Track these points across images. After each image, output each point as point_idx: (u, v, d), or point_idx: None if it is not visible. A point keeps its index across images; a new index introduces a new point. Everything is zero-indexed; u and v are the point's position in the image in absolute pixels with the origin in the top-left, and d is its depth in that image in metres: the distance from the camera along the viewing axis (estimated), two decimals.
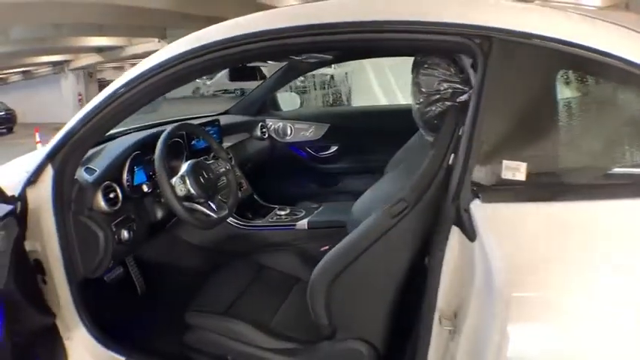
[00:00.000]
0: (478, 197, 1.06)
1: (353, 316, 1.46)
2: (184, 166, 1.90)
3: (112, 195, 1.78)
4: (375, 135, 3.16)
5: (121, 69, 28.35)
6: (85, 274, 1.67)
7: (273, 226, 2.36)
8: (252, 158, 2.97)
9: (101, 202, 1.73)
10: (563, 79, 1.12)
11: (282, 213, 2.44)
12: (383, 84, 8.08)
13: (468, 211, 1.06)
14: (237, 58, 1.42)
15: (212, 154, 2.29)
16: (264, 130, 3.13)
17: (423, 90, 1.31)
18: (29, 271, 1.55)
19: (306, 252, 2.13)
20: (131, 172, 1.94)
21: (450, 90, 1.28)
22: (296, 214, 2.40)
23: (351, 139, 3.24)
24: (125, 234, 1.81)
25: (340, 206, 2.46)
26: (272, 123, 3.25)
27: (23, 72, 21.08)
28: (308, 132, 3.27)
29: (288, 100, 3.49)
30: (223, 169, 2.09)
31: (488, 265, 1.00)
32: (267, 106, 3.34)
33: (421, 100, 1.32)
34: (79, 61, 17.97)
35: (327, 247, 2.08)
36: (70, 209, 1.59)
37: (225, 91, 20.73)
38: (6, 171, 1.90)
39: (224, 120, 2.77)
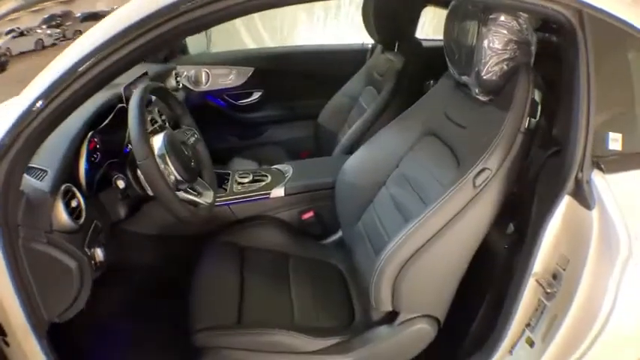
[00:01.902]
0: (600, 169, 1.09)
1: (421, 296, 1.33)
2: (158, 142, 1.46)
3: (74, 203, 1.27)
4: (304, 78, 2.95)
5: None
6: (50, 320, 1.20)
7: (243, 198, 1.93)
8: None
9: (64, 217, 1.20)
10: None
11: (245, 180, 1.98)
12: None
13: (589, 182, 1.08)
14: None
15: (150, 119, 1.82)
16: (178, 78, 2.68)
17: (493, 47, 1.21)
18: None
19: (285, 222, 1.90)
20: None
21: (517, 50, 1.21)
22: (262, 180, 1.98)
23: (276, 84, 2.96)
24: (100, 253, 1.32)
25: (311, 165, 2.19)
26: (184, 70, 2.81)
27: None
28: (228, 78, 2.91)
29: (195, 41, 3.00)
30: (193, 140, 1.67)
31: (607, 232, 1.06)
32: (175, 49, 2.84)
33: (487, 58, 1.22)
34: None
35: (310, 215, 1.88)
36: (18, 237, 1.08)
37: (64, 38, 18.50)
38: None
39: (138, 70, 2.26)
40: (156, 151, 1.43)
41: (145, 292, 1.83)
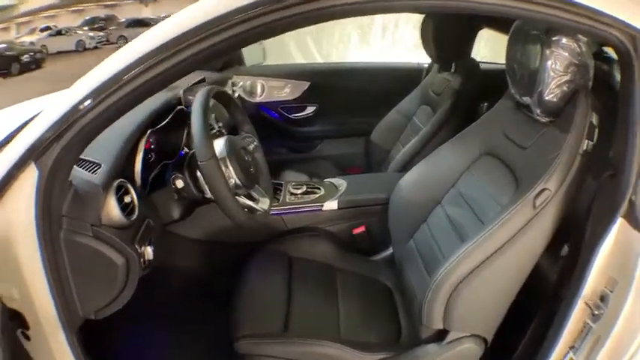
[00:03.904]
0: None
1: (472, 316, 1.32)
2: (219, 146, 1.46)
3: (127, 199, 1.27)
4: (358, 95, 2.97)
5: (7, 30, 24.92)
6: (85, 317, 1.18)
7: (296, 209, 1.95)
8: None
9: (116, 212, 1.20)
10: None
11: (298, 192, 2.02)
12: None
13: None
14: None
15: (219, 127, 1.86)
16: (234, 88, 2.72)
17: (555, 68, 1.22)
18: None
19: (336, 235, 1.92)
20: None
21: (577, 73, 1.22)
22: (315, 192, 2.02)
23: (331, 99, 2.99)
24: (150, 252, 1.31)
25: (365, 180, 2.21)
26: (241, 80, 2.87)
27: None
28: (283, 91, 2.96)
29: (253, 53, 3.05)
30: (252, 146, 1.68)
31: None
32: (232, 60, 2.91)
33: (548, 79, 1.24)
34: None
35: (361, 229, 1.85)
36: (60, 228, 1.08)
37: (107, 42, 18.99)
38: None
39: (195, 76, 2.31)
40: (217, 154, 1.42)
41: (187, 295, 1.86)
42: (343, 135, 3.05)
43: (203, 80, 2.16)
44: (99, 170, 1.23)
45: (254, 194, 1.60)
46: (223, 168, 1.41)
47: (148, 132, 1.53)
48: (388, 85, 2.91)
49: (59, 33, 19.39)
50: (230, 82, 2.73)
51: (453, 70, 2.34)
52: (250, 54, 3.07)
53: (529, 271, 1.25)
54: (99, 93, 0.99)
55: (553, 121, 1.29)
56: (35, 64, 15.58)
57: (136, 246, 1.25)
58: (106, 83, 0.99)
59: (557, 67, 1.21)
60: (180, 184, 1.47)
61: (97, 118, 1.01)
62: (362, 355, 1.35)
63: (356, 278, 1.71)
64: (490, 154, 1.48)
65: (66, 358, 1.17)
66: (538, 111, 1.32)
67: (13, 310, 1.11)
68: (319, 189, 2.03)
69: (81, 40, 19.19)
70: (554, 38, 1.19)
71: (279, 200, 1.96)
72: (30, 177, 1.02)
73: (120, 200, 1.23)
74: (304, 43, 7.50)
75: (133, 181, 1.37)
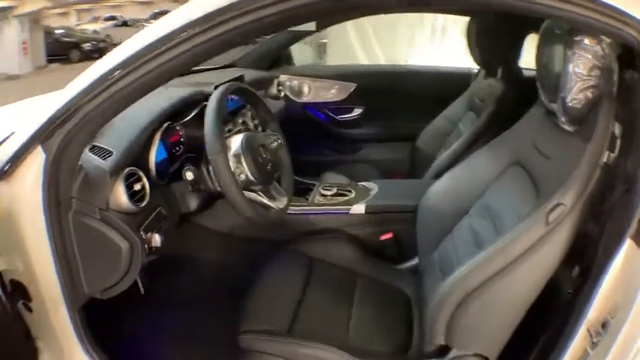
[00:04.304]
0: None
1: (477, 333, 1.26)
2: (236, 142, 1.49)
3: (137, 187, 1.30)
4: (406, 98, 2.91)
5: (66, 15, 26.52)
6: (90, 295, 1.24)
7: (323, 210, 1.94)
8: None
9: (123, 199, 1.24)
10: None
11: (329, 193, 2.00)
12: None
13: None
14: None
15: (241, 122, 1.87)
16: (280, 87, 2.74)
17: (577, 71, 1.13)
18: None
19: (361, 240, 1.87)
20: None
21: (601, 78, 1.13)
22: (345, 195, 2.00)
23: (377, 102, 2.94)
24: (157, 239, 1.34)
25: (397, 186, 2.18)
26: (288, 80, 2.89)
27: None
28: (330, 92, 2.93)
29: (302, 53, 3.06)
30: (275, 145, 1.67)
31: None
32: (281, 59, 2.92)
33: (572, 84, 1.15)
34: (23, 6, 16.39)
35: (388, 236, 1.80)
36: (69, 209, 1.14)
37: None
38: None
39: (234, 73, 2.33)
40: (232, 150, 1.47)
41: (205, 286, 1.90)
42: (388, 139, 3.00)
43: (240, 78, 2.17)
44: (110, 157, 1.27)
45: (272, 192, 1.60)
46: (236, 164, 1.44)
47: (169, 124, 1.56)
48: (437, 89, 2.84)
49: (125, 24, 19.57)
50: (276, 81, 2.74)
51: (499, 76, 2.25)
52: (300, 54, 3.09)
53: (538, 291, 1.17)
54: (100, 83, 1.03)
55: (577, 130, 1.21)
56: (98, 52, 15.61)
57: (142, 232, 1.29)
58: (105, 75, 1.03)
59: (579, 71, 1.13)
60: (190, 175, 1.49)
61: (99, 106, 1.05)
62: None
63: (376, 285, 1.66)
64: (518, 163, 1.41)
65: (66, 333, 1.22)
66: (563, 119, 1.23)
67: (15, 282, 1.18)
68: (350, 192, 2.01)
69: None
70: (576, 38, 1.11)
71: (307, 200, 1.96)
72: (37, 158, 1.08)
73: (129, 187, 1.27)
74: (369, 44, 7.47)
75: (147, 171, 1.40)
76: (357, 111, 2.98)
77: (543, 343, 1.28)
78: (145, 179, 1.34)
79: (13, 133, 1.15)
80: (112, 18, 20.38)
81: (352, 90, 2.91)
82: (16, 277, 1.18)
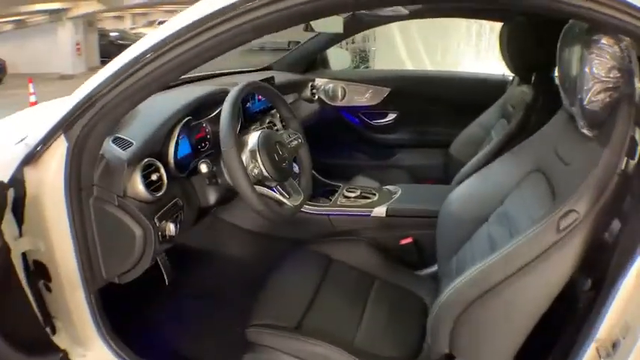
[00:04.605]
0: None
1: (483, 344, 1.21)
2: (252, 139, 1.52)
3: (154, 177, 1.36)
4: (440, 104, 2.89)
5: (121, 19, 27.43)
6: (109, 279, 1.32)
7: (344, 211, 1.96)
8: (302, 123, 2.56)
9: (139, 187, 1.30)
10: None
11: (352, 195, 2.03)
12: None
13: None
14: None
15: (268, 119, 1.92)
16: (314, 90, 2.78)
17: (595, 72, 1.07)
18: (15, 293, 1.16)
19: (382, 244, 1.85)
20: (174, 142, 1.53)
21: (620, 79, 1.07)
22: (368, 197, 2.01)
23: (412, 107, 2.93)
24: (172, 228, 1.39)
25: (421, 190, 2.17)
26: (322, 83, 2.91)
27: (15, 22, 20.24)
28: (364, 96, 2.93)
29: (338, 57, 3.06)
30: (295, 143, 1.71)
31: None
32: (317, 63, 2.96)
33: (589, 85, 1.09)
34: (77, 9, 17.18)
35: (409, 240, 1.78)
36: (90, 195, 1.23)
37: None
38: None
39: (266, 76, 2.37)
40: (249, 146, 1.51)
41: (224, 279, 1.94)
42: (422, 145, 2.97)
43: (270, 79, 2.21)
44: (129, 148, 1.33)
45: (289, 189, 1.61)
46: (251, 160, 1.47)
47: (204, 122, 1.63)
48: (472, 96, 2.79)
49: None
50: (310, 84, 2.77)
51: (532, 82, 2.19)
52: (335, 58, 3.10)
53: (548, 303, 1.11)
54: (116, 77, 1.08)
55: (597, 135, 1.16)
56: None
57: (156, 220, 1.34)
58: (120, 70, 1.08)
59: (597, 72, 1.08)
60: (204, 168, 1.52)
61: (116, 98, 1.10)
62: None
63: (393, 290, 1.65)
64: (539, 170, 1.36)
65: (82, 314, 1.27)
66: (582, 122, 1.18)
67: (38, 262, 1.25)
68: (373, 195, 2.01)
69: None
70: (594, 38, 1.07)
71: (330, 201, 1.98)
72: (60, 146, 1.16)
73: (147, 177, 1.33)
74: (416, 50, 7.43)
75: (166, 163, 1.45)
76: (392, 116, 2.98)
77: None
78: (162, 170, 1.39)
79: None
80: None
81: (386, 95, 2.91)
82: (38, 257, 1.25)
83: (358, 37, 10.19)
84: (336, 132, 3.02)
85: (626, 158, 1.04)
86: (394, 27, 7.98)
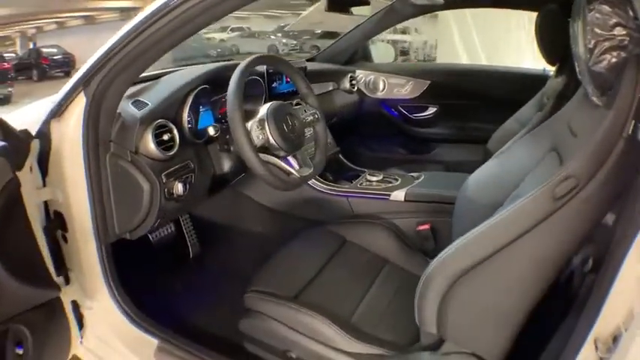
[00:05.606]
0: None
1: (472, 327, 1.15)
2: (263, 108, 1.57)
3: (165, 137, 1.45)
4: (479, 99, 2.84)
5: None
6: (120, 234, 1.40)
7: (363, 193, 1.98)
8: (337, 112, 2.64)
9: (151, 145, 1.39)
10: None
11: (374, 179, 2.06)
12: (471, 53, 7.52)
13: None
14: None
15: (296, 100, 1.99)
16: (353, 82, 2.83)
17: (596, 31, 1.00)
18: (21, 231, 1.23)
19: (399, 229, 1.84)
20: (195, 111, 1.61)
21: (626, 37, 0.99)
22: (390, 182, 2.04)
23: (451, 101, 2.91)
24: (180, 187, 1.47)
25: (444, 177, 2.18)
26: (362, 75, 2.94)
27: (85, 17, 21.11)
28: (404, 88, 2.95)
29: (381, 51, 3.08)
30: (311, 118, 1.74)
31: None
32: (358, 55, 2.99)
33: (592, 44, 1.02)
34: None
35: (426, 226, 1.78)
36: (107, 150, 1.32)
37: (300, 50, 19.51)
38: (39, 105, 1.57)
39: (309, 67, 2.41)
40: (259, 115, 1.55)
41: (239, 253, 2.00)
42: (461, 140, 2.94)
43: (303, 68, 2.25)
44: (144, 109, 1.43)
45: (294, 160, 1.62)
46: (260, 128, 1.51)
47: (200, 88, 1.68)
48: (512, 90, 2.74)
49: (252, 35, 20.48)
50: (349, 75, 2.79)
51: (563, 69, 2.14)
52: (379, 52, 3.11)
53: (544, 284, 1.03)
54: (128, 35, 1.18)
55: (604, 102, 1.06)
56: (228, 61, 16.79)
57: (163, 177, 1.43)
58: (132, 29, 1.17)
59: (598, 30, 1.00)
60: (211, 131, 1.59)
61: (127, 55, 1.20)
62: (354, 342, 1.29)
63: (403, 275, 1.63)
64: (555, 149, 1.28)
65: (93, 266, 1.36)
66: (589, 89, 1.09)
67: (57, 212, 1.35)
68: (396, 180, 2.03)
69: (273, 45, 20.23)
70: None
71: (351, 183, 2.02)
72: (80, 101, 1.26)
73: (158, 136, 1.42)
74: (473, 45, 7.32)
75: (180, 126, 1.53)
76: (431, 110, 2.95)
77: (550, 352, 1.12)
78: (175, 131, 1.47)
79: None
80: (240, 29, 21.57)
81: (426, 87, 2.90)
82: (57, 207, 1.35)
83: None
84: (375, 124, 3.03)
85: (633, 121, 0.94)
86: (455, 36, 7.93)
